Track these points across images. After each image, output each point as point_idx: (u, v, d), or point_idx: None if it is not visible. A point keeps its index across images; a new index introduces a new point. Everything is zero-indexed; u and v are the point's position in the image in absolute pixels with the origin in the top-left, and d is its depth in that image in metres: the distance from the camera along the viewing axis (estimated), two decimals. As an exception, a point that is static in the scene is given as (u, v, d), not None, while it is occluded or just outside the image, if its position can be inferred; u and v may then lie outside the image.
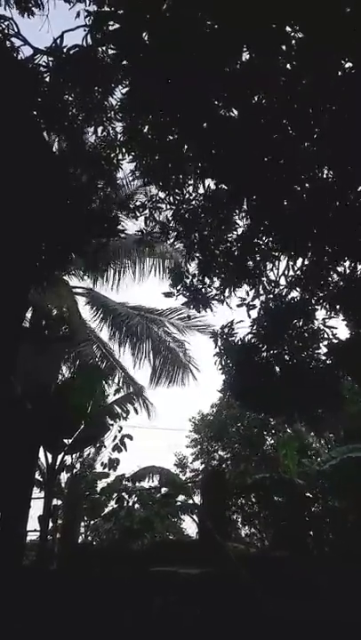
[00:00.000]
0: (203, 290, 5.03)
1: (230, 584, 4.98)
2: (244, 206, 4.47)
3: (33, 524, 8.56)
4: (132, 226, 5.51)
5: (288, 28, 3.45)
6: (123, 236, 5.20)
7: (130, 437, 8.51)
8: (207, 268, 4.92)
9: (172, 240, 5.09)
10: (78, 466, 9.72)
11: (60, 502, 9.17)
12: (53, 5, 4.69)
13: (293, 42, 3.49)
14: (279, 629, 4.45)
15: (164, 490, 10.19)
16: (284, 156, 4.06)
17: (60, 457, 9.25)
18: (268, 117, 3.78)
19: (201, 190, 4.63)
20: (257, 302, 4.95)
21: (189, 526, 13.88)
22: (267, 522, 12.48)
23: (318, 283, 4.82)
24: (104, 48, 3.98)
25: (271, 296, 4.96)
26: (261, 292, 4.98)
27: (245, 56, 3.62)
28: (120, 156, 4.55)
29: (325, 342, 4.76)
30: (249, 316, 4.90)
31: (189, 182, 4.59)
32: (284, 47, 3.53)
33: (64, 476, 9.59)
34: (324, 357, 4.81)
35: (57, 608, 5.40)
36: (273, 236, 4.57)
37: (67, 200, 4.55)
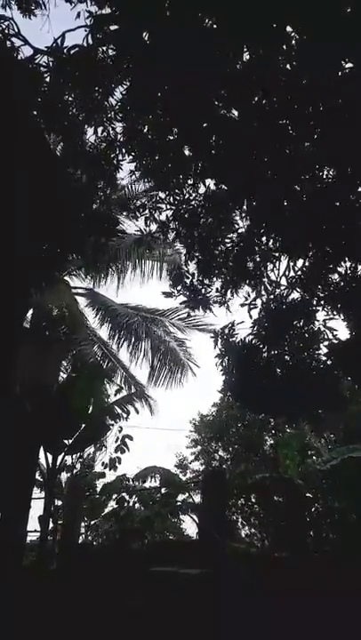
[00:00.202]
0: (202, 290, 5.03)
1: (230, 584, 4.98)
2: (244, 207, 4.46)
3: (33, 524, 8.58)
4: (132, 226, 5.51)
5: (288, 28, 3.45)
6: (123, 236, 5.21)
7: (130, 438, 8.52)
8: (207, 268, 4.92)
9: (171, 240, 5.09)
10: (78, 466, 9.72)
11: (60, 502, 9.17)
12: (54, 5, 4.70)
13: (294, 42, 3.49)
14: (279, 629, 4.45)
15: (164, 490, 10.20)
16: (284, 157, 4.07)
17: (60, 457, 9.25)
18: (268, 117, 3.78)
19: (201, 190, 4.63)
20: (258, 302, 4.95)
21: (189, 526, 13.88)
22: (267, 522, 12.48)
23: (319, 283, 4.82)
24: (104, 48, 3.98)
25: (272, 297, 4.96)
26: (262, 292, 4.98)
27: (246, 56, 3.62)
28: (120, 157, 4.55)
29: (326, 343, 4.76)
30: (250, 317, 4.90)
31: (189, 182, 4.59)
32: (284, 47, 3.54)
33: (64, 477, 9.60)
34: (324, 358, 4.81)
35: (57, 608, 5.40)
36: (273, 237, 4.57)
37: (66, 200, 4.55)
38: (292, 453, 11.37)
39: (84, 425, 9.08)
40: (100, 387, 9.23)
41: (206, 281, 5.01)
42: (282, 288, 5.00)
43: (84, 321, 10.96)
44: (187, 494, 10.90)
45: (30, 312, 9.21)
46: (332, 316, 4.77)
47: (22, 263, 4.78)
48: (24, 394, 7.81)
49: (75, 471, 9.37)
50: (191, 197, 4.69)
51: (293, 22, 3.36)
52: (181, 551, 6.91)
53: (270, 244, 4.67)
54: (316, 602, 4.76)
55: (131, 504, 8.41)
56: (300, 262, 4.88)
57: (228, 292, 5.02)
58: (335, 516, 10.67)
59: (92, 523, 10.94)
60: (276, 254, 4.78)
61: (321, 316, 4.83)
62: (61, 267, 8.20)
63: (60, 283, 9.33)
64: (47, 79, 4.16)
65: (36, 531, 8.83)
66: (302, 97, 3.65)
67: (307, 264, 4.85)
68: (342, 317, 4.84)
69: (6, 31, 4.10)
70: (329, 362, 4.80)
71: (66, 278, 10.92)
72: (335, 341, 4.75)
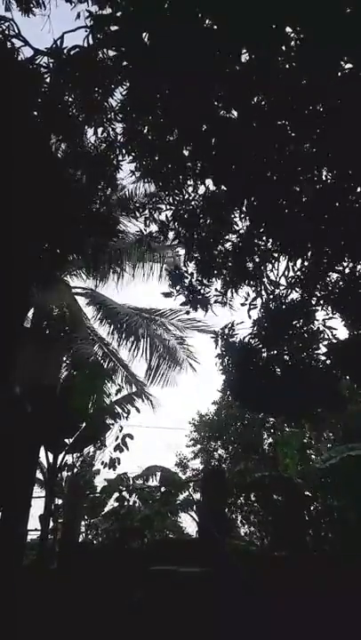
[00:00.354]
0: (201, 290, 5.04)
1: (230, 582, 5.00)
2: (244, 207, 4.47)
3: (34, 522, 8.60)
4: (132, 227, 5.51)
5: (288, 29, 3.45)
6: (123, 237, 5.21)
7: (131, 437, 8.53)
8: (206, 268, 4.93)
9: (171, 240, 5.10)
10: (79, 465, 9.74)
11: (60, 501, 9.20)
12: (55, 5, 4.70)
13: (293, 42, 3.50)
14: (279, 627, 4.47)
15: (164, 489, 10.23)
16: (284, 157, 4.07)
17: (60, 456, 9.28)
18: (267, 118, 3.79)
19: (200, 191, 4.64)
20: (257, 302, 4.96)
21: (189, 525, 13.92)
22: (266, 520, 12.51)
23: (318, 283, 4.83)
24: (105, 49, 3.98)
25: (272, 297, 4.97)
26: (262, 292, 4.98)
27: (245, 56, 3.62)
28: (120, 157, 4.56)
29: (325, 342, 4.77)
30: (249, 317, 4.91)
31: (189, 183, 4.59)
32: (283, 48, 3.54)
33: (65, 475, 9.63)
34: (323, 358, 4.82)
35: (57, 607, 5.42)
36: (273, 237, 4.58)
37: (67, 200, 4.56)
38: (292, 452, 11.40)
39: (84, 424, 9.10)
40: (100, 386, 9.24)
41: (205, 281, 5.01)
42: (281, 288, 5.00)
43: (84, 320, 10.97)
44: (187, 493, 10.94)
45: (30, 312, 9.22)
46: (331, 316, 4.78)
47: (22, 263, 4.79)
48: (24, 394, 7.82)
49: (75, 470, 9.40)
50: (191, 198, 4.70)
51: (293, 23, 3.37)
52: (181, 550, 6.93)
53: (270, 244, 4.68)
54: (316, 600, 4.78)
55: (131, 503, 8.43)
56: (299, 262, 4.89)
57: (228, 292, 5.03)
58: (334, 515, 10.70)
59: (92, 521, 10.98)
60: (276, 254, 4.79)
61: (320, 315, 4.85)
62: (61, 267, 8.21)
63: (60, 283, 9.34)
64: (47, 80, 4.17)
65: (36, 529, 8.86)
66: (302, 97, 3.65)
67: (306, 264, 4.85)
68: (341, 317, 4.85)
69: (6, 32, 4.10)
70: (328, 361, 4.81)
71: (66, 278, 10.93)
72: (334, 341, 4.77)
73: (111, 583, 5.61)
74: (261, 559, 7.37)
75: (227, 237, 4.89)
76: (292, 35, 3.47)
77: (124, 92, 4.02)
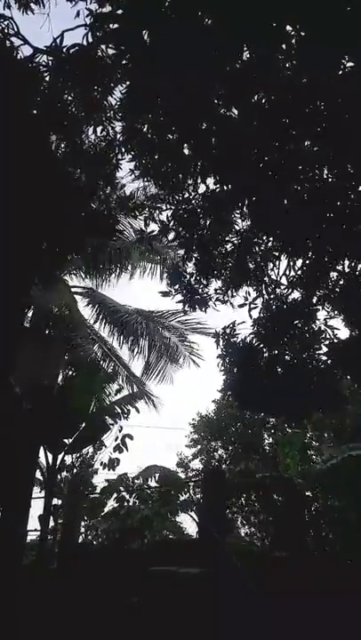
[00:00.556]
0: (200, 290, 5.02)
1: (230, 583, 4.99)
2: (244, 207, 4.45)
3: (33, 523, 8.58)
4: (132, 227, 5.49)
5: (288, 27, 3.44)
6: (123, 236, 5.20)
7: (130, 437, 8.51)
8: (206, 268, 4.91)
9: (171, 240, 5.08)
10: (78, 465, 9.72)
11: (60, 502, 9.17)
12: (54, 3, 4.69)
13: (293, 41, 3.48)
14: (279, 628, 4.45)
15: (164, 489, 10.20)
16: (285, 156, 4.06)
17: (60, 456, 9.26)
18: (268, 116, 3.77)
19: (201, 190, 4.62)
20: (258, 302, 4.94)
21: (189, 525, 13.89)
22: (267, 521, 12.49)
23: (319, 282, 4.81)
24: (104, 47, 3.97)
25: (272, 296, 4.96)
26: (263, 292, 4.97)
27: (245, 55, 3.61)
28: (119, 156, 4.54)
29: (326, 342, 4.75)
30: (250, 317, 4.90)
31: (189, 182, 4.58)
32: (284, 46, 3.53)
33: (64, 476, 9.60)
34: (324, 357, 4.81)
35: (57, 607, 5.41)
36: (273, 236, 4.56)
37: (66, 200, 4.54)
38: (293, 452, 11.38)
39: (84, 424, 9.08)
40: (100, 386, 9.23)
41: (204, 281, 5.00)
42: (282, 288, 4.99)
43: (83, 320, 10.96)
44: (187, 494, 10.91)
45: (30, 312, 9.20)
46: (332, 316, 4.76)
47: (22, 263, 4.77)
48: (24, 393, 7.81)
49: (75, 470, 9.38)
50: (191, 197, 4.68)
51: (293, 21, 3.36)
52: (181, 550, 6.92)
53: (270, 243, 4.66)
54: (317, 601, 4.76)
55: (130, 503, 8.41)
56: (300, 262, 4.87)
57: (229, 291, 5.02)
58: (335, 515, 10.68)
59: (92, 522, 10.95)
60: (277, 254, 4.78)
61: (321, 315, 4.83)
62: (61, 266, 8.20)
63: (59, 282, 9.33)
64: (47, 78, 4.15)
65: (36, 530, 8.83)
66: (302, 96, 3.64)
67: (307, 263, 4.84)
68: (342, 317, 4.83)
69: (6, 30, 4.09)
70: (329, 361, 4.79)
71: (65, 278, 10.92)
72: (335, 341, 4.75)
73: (111, 584, 5.60)
74: (262, 559, 7.35)
75: (227, 237, 4.87)
76: (293, 33, 3.46)
77: (123, 91, 4.01)
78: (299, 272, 4.86)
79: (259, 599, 4.66)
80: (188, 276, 5.03)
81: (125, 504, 8.22)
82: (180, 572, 5.17)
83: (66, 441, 9.21)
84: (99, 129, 4.40)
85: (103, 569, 6.13)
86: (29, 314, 9.22)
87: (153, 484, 11.53)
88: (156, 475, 12.23)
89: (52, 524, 8.67)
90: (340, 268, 4.77)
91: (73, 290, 11.11)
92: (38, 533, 8.66)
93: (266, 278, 4.95)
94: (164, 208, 4.85)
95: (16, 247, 4.42)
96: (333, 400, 5.00)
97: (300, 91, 3.61)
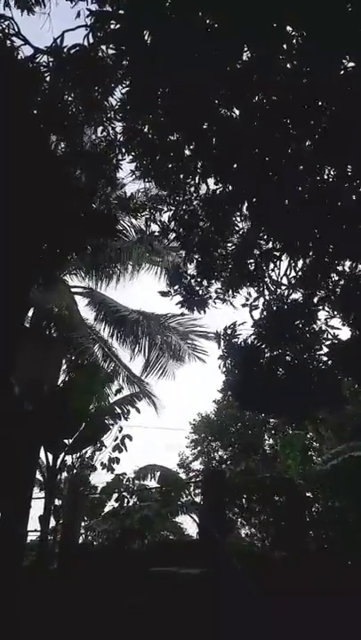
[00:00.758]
0: (200, 291, 5.01)
1: (230, 584, 4.98)
2: (245, 208, 4.45)
3: (33, 524, 8.57)
4: (133, 227, 5.49)
5: (289, 28, 3.44)
6: (123, 237, 5.20)
7: (130, 438, 8.51)
8: (206, 270, 4.90)
9: (171, 241, 5.07)
10: (78, 466, 9.71)
11: (60, 502, 9.17)
12: (55, 3, 4.69)
13: (294, 41, 3.48)
14: (279, 628, 4.45)
15: (164, 489, 10.19)
16: (285, 156, 4.05)
17: (60, 457, 9.25)
18: (268, 117, 3.77)
19: (202, 191, 4.61)
20: (259, 303, 4.93)
21: (190, 526, 13.88)
22: (267, 522, 12.48)
23: (319, 283, 4.81)
24: (105, 47, 3.97)
25: (273, 297, 4.95)
26: (264, 293, 4.96)
27: (246, 55, 3.61)
28: (120, 156, 4.54)
29: (327, 343, 4.74)
30: (252, 317, 4.89)
31: (190, 183, 4.57)
32: (284, 46, 3.53)
33: (64, 476, 9.60)
34: (325, 358, 4.80)
35: (57, 608, 5.40)
36: (274, 237, 4.55)
37: (67, 200, 4.54)
38: (295, 453, 11.36)
39: (84, 425, 9.07)
40: (100, 386, 9.22)
41: (205, 282, 4.98)
42: (283, 288, 4.98)
43: (83, 320, 10.95)
44: (188, 495, 10.90)
45: (30, 312, 9.20)
46: (333, 316, 4.75)
47: (22, 263, 4.77)
48: (24, 394, 7.80)
49: (75, 471, 9.36)
50: (192, 198, 4.67)
51: (293, 21, 3.35)
52: (182, 551, 6.91)
53: (271, 244, 4.66)
54: (317, 601, 4.76)
55: (131, 503, 8.40)
56: (300, 262, 4.86)
57: (229, 292, 5.01)
58: (335, 516, 10.67)
59: (92, 522, 10.94)
60: (277, 254, 4.77)
61: (322, 315, 4.83)
62: (61, 266, 8.20)
63: (59, 282, 9.32)
64: (47, 79, 4.15)
65: (36, 530, 8.82)
66: (303, 96, 3.64)
67: (308, 263, 4.83)
68: (342, 317, 4.82)
69: (6, 31, 4.09)
70: (330, 362, 4.79)
71: (66, 278, 10.92)
72: (336, 341, 4.74)
73: (111, 584, 5.59)
74: (262, 560, 7.34)
75: (227, 239, 4.86)
76: (293, 33, 3.46)
77: (124, 91, 4.01)
78: (300, 272, 4.86)
79: (259, 600, 4.66)
80: (188, 278, 5.02)
81: (125, 504, 8.22)
82: (180, 572, 5.16)
83: (66, 441, 9.20)
84: (99, 129, 4.40)
85: (103, 569, 6.12)
86: (30, 314, 9.22)
87: (152, 483, 11.53)
88: (156, 474, 12.24)
89: (52, 524, 8.66)
90: (340, 268, 4.76)
91: (73, 290, 11.11)
92: (38, 534, 8.65)
93: (267, 279, 4.94)
94: (165, 209, 4.85)
95: (16, 247, 4.42)
96: (335, 401, 5.00)
97: (301, 91, 3.61)
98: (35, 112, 4.23)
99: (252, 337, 4.91)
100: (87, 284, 11.44)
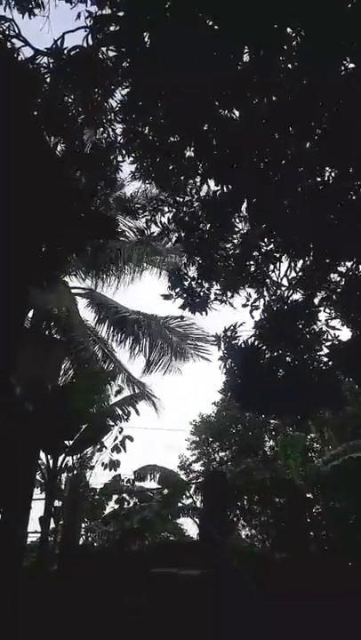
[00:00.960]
0: (201, 293, 5.00)
1: (231, 585, 4.98)
2: (245, 209, 4.45)
3: (34, 525, 8.56)
4: (133, 228, 5.49)
5: (289, 29, 3.44)
6: (123, 238, 5.20)
7: (131, 439, 8.50)
8: (207, 272, 4.90)
9: (172, 243, 5.07)
10: (78, 467, 9.71)
11: (60, 503, 9.16)
12: (54, 6, 4.70)
13: (294, 42, 3.49)
14: (279, 629, 4.44)
15: (166, 491, 10.19)
16: (285, 157, 4.06)
17: (60, 458, 9.24)
18: (269, 118, 3.77)
19: (202, 192, 4.61)
20: (259, 304, 4.93)
21: (190, 527, 13.87)
22: (268, 523, 12.47)
23: (320, 283, 4.81)
24: (105, 49, 3.97)
25: (274, 298, 4.95)
26: (264, 293, 4.96)
27: (246, 56, 3.61)
28: (120, 158, 4.54)
29: (327, 343, 4.74)
30: (252, 317, 4.88)
31: (190, 184, 4.57)
32: (285, 47, 3.53)
33: (65, 477, 9.59)
34: (326, 359, 4.79)
35: (57, 609, 5.39)
36: (274, 237, 4.55)
37: (66, 201, 4.54)
38: (295, 454, 11.35)
39: (84, 426, 9.06)
40: (100, 387, 9.22)
41: (206, 284, 4.98)
42: (283, 289, 4.98)
43: (83, 321, 10.96)
44: (189, 497, 10.90)
45: (30, 312, 9.21)
46: (333, 317, 4.75)
47: (22, 263, 4.77)
48: (24, 394, 7.79)
49: (75, 472, 9.36)
50: (193, 199, 4.67)
51: (294, 22, 3.36)
52: (182, 552, 6.91)
53: (271, 245, 4.66)
54: (317, 602, 4.75)
55: (131, 505, 8.40)
56: (300, 263, 4.86)
57: (229, 292, 5.00)
58: (336, 517, 10.67)
59: (92, 524, 10.93)
60: (277, 255, 4.77)
61: (322, 316, 4.82)
62: (61, 267, 8.19)
63: (59, 283, 9.32)
64: (47, 80, 4.16)
65: (36, 532, 8.81)
66: (303, 97, 3.64)
67: (308, 264, 4.83)
68: (343, 317, 4.82)
69: (7, 32, 4.10)
70: (330, 363, 4.78)
71: (66, 279, 10.91)
72: (336, 342, 4.74)
73: (111, 585, 5.58)
74: (262, 561, 7.33)
75: (228, 240, 4.86)
76: (294, 34, 3.46)
77: (124, 93, 4.01)
78: (300, 273, 4.86)
79: (259, 601, 4.65)
80: (189, 280, 5.01)
81: (126, 505, 8.21)
82: (180, 573, 5.16)
83: (66, 442, 9.19)
84: (99, 131, 4.41)
85: (104, 570, 6.11)
86: (30, 315, 9.22)
87: (152, 484, 11.52)
88: (156, 474, 12.22)
89: (52, 525, 8.65)
90: (340, 268, 4.76)
91: (73, 291, 11.11)
92: (39, 535, 8.64)
93: (267, 280, 4.94)
94: (166, 210, 4.85)
95: (16, 248, 4.42)
96: (334, 401, 4.99)
97: (301, 92, 3.61)
98: (35, 113, 4.23)
99: (253, 338, 4.91)
100: (87, 284, 11.45)
